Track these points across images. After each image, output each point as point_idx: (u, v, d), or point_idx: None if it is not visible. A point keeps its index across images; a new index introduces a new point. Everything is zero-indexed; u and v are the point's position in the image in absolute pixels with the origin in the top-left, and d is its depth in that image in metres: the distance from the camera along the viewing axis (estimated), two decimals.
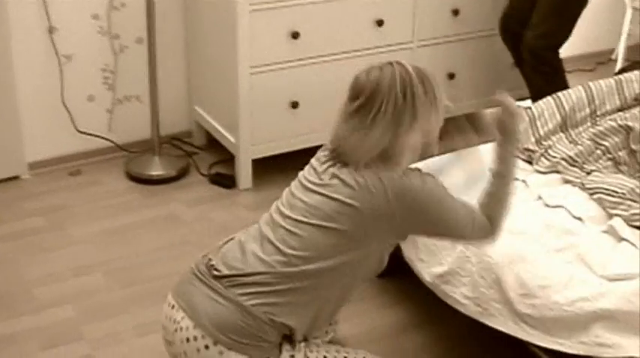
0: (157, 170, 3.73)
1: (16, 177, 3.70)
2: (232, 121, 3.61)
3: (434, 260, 2.63)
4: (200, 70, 3.86)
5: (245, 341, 2.02)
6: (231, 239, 2.21)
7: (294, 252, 2.04)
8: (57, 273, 3.07)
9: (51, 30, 3.57)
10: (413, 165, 2.14)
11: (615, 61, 4.95)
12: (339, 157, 2.08)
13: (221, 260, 2.13)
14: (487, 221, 2.17)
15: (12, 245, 3.23)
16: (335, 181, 2.06)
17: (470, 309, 2.51)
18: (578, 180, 2.79)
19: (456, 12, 3.87)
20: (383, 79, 2.02)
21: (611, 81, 3.22)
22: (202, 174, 3.79)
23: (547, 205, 2.69)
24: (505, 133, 2.23)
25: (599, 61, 5.05)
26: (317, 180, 2.10)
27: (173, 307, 2.12)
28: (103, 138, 3.85)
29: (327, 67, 3.62)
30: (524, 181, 2.82)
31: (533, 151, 2.98)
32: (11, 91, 3.55)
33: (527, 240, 2.50)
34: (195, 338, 2.04)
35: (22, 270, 3.08)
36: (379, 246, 2.10)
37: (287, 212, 2.11)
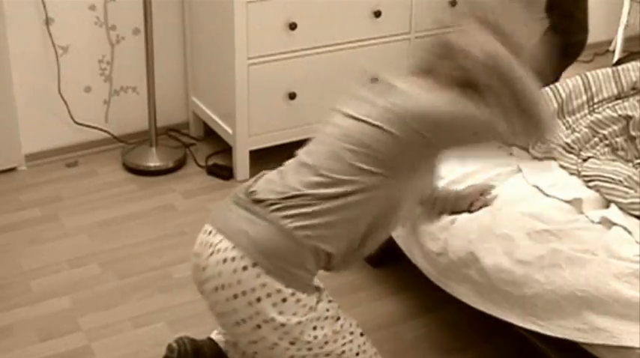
0: (153, 161, 3.72)
1: (12, 169, 3.70)
2: (229, 112, 3.60)
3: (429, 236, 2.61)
4: (197, 61, 3.85)
5: (284, 266, 1.98)
6: (264, 174, 2.20)
7: (334, 175, 2.04)
8: (54, 264, 3.06)
9: (47, 21, 3.56)
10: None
11: (613, 52, 4.94)
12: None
13: (260, 186, 2.12)
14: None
15: (8, 236, 3.23)
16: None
17: (450, 287, 2.49)
18: (574, 167, 2.79)
19: (453, 3, 3.86)
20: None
21: (608, 69, 3.22)
22: (199, 166, 3.78)
23: (542, 191, 2.68)
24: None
25: (596, 52, 5.04)
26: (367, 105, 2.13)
27: (210, 233, 2.09)
28: (99, 129, 3.85)
29: (324, 58, 3.61)
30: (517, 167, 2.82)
31: None
32: (8, 83, 3.54)
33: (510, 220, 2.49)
34: (234, 259, 2.00)
35: (18, 262, 3.08)
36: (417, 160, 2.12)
37: (323, 137, 2.16)
